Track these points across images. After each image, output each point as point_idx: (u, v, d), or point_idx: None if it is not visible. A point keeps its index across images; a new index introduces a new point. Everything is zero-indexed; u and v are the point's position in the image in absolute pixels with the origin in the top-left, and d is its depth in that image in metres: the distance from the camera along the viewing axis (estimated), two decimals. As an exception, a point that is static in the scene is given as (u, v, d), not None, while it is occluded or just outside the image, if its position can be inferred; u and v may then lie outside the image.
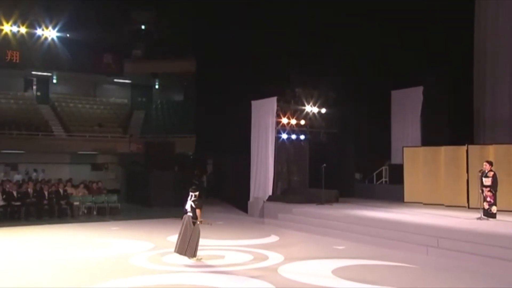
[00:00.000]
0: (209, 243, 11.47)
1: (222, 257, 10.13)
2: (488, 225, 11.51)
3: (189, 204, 9.80)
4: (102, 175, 29.00)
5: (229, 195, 21.27)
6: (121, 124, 31.74)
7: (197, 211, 9.66)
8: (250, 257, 10.17)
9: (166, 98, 35.69)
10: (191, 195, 9.84)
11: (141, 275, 8.61)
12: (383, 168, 20.59)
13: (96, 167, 30.02)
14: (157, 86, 35.60)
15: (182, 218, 9.94)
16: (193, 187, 10.19)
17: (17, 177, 26.67)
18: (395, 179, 19.19)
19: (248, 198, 18.38)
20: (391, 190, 18.66)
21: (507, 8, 18.28)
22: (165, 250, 10.86)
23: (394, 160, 19.94)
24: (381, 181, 20.69)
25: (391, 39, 18.98)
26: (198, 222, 9.73)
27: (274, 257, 10.10)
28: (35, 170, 26.67)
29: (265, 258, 10.07)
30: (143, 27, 34.98)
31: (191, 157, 27.89)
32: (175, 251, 9.73)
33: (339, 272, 8.78)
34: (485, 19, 18.92)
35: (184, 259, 9.62)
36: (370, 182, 20.88)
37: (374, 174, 20.82)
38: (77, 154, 28.38)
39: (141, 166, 25.86)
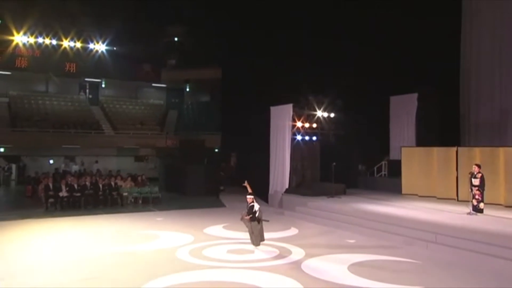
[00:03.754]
0: (239, 236, 11.37)
1: (252, 251, 9.96)
2: (478, 221, 11.19)
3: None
4: (143, 166, 29.19)
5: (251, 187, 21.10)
6: (158, 123, 31.73)
7: (247, 217, 10.19)
8: (276, 251, 9.97)
9: (195, 99, 35.60)
10: (248, 199, 10.33)
11: (187, 271, 8.36)
12: (383, 163, 20.25)
13: (138, 158, 30.21)
14: (187, 89, 35.56)
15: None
16: (249, 192, 10.51)
17: (75, 167, 26.96)
18: (393, 172, 18.92)
19: (267, 190, 18.20)
20: (390, 182, 18.37)
21: (488, 29, 18.13)
22: (204, 243, 10.73)
23: (393, 156, 19.66)
24: (380, 174, 20.36)
25: (390, 53, 18.63)
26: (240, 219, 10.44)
27: (297, 252, 9.89)
28: (96, 162, 27.81)
29: (289, 253, 9.85)
30: (176, 39, 34.79)
31: (217, 152, 27.66)
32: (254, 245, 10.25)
33: (354, 269, 8.54)
34: (470, 38, 18.84)
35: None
36: (372, 175, 20.56)
37: (375, 168, 20.49)
38: (123, 148, 28.48)
39: (176, 159, 25.81)
